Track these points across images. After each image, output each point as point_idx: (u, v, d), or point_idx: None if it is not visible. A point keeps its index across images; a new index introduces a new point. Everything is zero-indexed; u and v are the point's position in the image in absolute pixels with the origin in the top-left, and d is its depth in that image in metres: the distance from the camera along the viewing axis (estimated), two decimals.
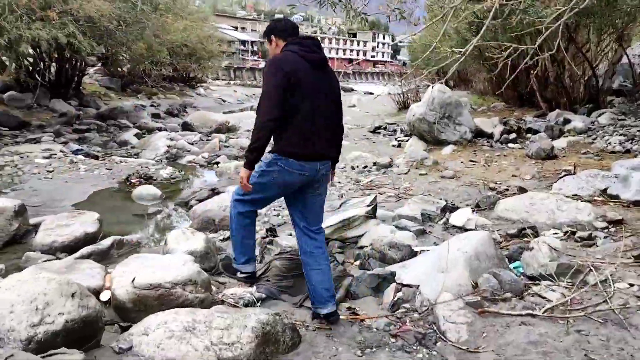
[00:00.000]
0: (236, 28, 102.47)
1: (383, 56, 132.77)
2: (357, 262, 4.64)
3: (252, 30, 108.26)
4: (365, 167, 8.83)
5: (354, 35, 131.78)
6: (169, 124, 17.66)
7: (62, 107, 18.16)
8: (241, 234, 3.58)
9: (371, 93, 53.47)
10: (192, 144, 12.53)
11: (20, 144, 12.19)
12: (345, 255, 4.85)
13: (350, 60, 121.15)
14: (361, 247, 4.87)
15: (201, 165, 10.10)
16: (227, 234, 5.66)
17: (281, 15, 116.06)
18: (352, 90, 60.78)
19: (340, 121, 3.36)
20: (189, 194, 7.26)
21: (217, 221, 5.88)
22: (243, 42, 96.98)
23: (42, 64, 19.30)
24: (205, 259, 4.26)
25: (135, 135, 15.02)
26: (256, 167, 3.20)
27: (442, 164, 8.38)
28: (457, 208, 6.02)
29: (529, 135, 10.33)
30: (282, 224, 5.91)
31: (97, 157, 10.63)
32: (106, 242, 5.22)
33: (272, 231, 5.08)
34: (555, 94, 16.87)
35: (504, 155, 8.88)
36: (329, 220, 5.13)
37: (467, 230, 5.12)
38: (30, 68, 18.57)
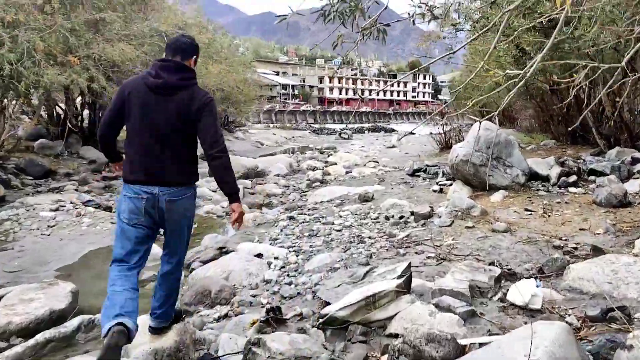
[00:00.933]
0: (278, 73, 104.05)
1: (424, 96, 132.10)
2: (384, 358, 3.47)
3: (293, 74, 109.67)
4: (402, 217, 7.65)
5: (394, 76, 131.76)
6: (201, 169, 16.95)
7: (92, 155, 17.79)
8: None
9: (412, 133, 52.50)
10: (214, 191, 11.62)
11: (41, 194, 11.60)
12: (369, 345, 3.69)
13: (391, 102, 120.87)
14: (390, 335, 3.70)
15: (219, 216, 9.14)
16: (225, 310, 4.59)
17: (321, 60, 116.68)
18: (393, 130, 59.92)
19: (178, 148, 3.25)
20: (191, 253, 6.23)
21: (214, 292, 4.81)
22: (284, 86, 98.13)
23: (73, 110, 19.14)
24: (174, 359, 3.17)
25: None
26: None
27: (492, 213, 7.12)
28: (515, 275, 4.77)
29: (591, 177, 8.96)
30: (295, 296, 4.79)
31: (110, 209, 9.82)
32: (72, 324, 4.21)
33: (274, 312, 3.95)
34: (613, 130, 15.38)
35: (566, 202, 7.53)
36: (350, 297, 3.98)
37: (531, 310, 3.88)
38: (62, 115, 18.39)
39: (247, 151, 29.73)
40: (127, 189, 3.17)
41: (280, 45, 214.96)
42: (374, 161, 17.07)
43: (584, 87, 15.05)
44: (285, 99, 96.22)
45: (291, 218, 8.38)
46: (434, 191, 9.65)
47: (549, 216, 6.80)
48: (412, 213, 7.67)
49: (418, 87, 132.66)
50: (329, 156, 23.20)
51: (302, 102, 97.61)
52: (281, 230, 7.54)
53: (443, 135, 20.91)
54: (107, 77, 14.00)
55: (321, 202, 9.84)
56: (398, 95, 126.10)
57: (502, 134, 8.65)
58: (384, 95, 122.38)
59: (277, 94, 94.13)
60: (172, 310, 3.47)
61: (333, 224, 7.59)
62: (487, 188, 8.35)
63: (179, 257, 3.44)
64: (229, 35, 39.29)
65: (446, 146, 20.55)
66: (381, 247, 6.09)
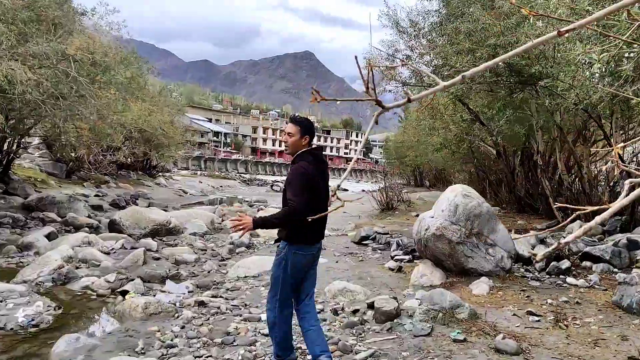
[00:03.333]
0: (210, 120, 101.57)
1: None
2: None
3: (226, 122, 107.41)
4: (356, 312, 5.49)
5: (328, 132, 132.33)
6: (109, 219, 14.04)
7: None
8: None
9: (345, 189, 51.00)
10: (108, 253, 9.03)
11: None
12: None
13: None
14: None
15: (99, 295, 6.58)
16: None
17: (257, 111, 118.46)
18: None
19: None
20: None
21: None
22: (216, 134, 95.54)
23: None
24: None
25: (48, 234, 11.47)
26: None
27: (485, 317, 5.07)
28: None
29: (585, 262, 7.19)
30: None
31: None
32: None
33: None
34: (571, 200, 14.04)
35: (577, 302, 5.60)
36: None
37: None
38: None
39: (168, 200, 26.88)
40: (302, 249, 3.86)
41: (216, 93, 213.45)
42: None
43: (541, 151, 13.63)
44: (217, 146, 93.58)
45: (201, 304, 5.99)
46: (391, 269, 7.55)
47: (566, 326, 4.81)
48: (371, 306, 5.52)
49: (350, 145, 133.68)
50: (258, 211, 20.89)
51: (234, 151, 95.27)
52: (182, 328, 5.14)
53: (384, 194, 19.23)
54: None
55: (245, 277, 7.50)
56: (331, 151, 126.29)
57: (484, 204, 6.74)
58: None
59: (208, 141, 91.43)
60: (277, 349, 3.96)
61: (259, 320, 5.30)
62: (465, 273, 6.35)
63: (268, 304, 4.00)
64: (159, 79, 36.88)
65: (387, 207, 18.83)
66: None
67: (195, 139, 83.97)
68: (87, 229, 13.38)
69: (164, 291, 6.88)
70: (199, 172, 57.15)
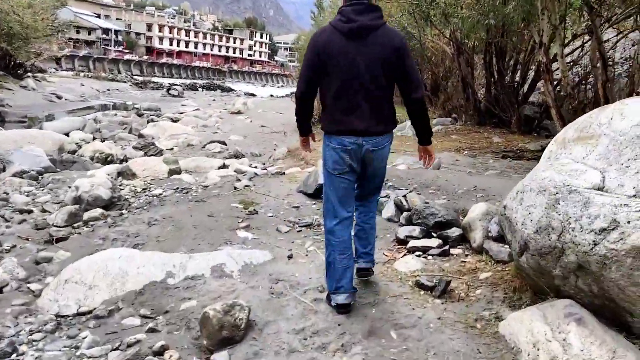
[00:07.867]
0: (99, 15, 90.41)
1: (260, 56, 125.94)
2: None
3: (117, 19, 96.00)
4: None
5: (230, 31, 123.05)
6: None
7: None
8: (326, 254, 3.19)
9: (253, 94, 45.54)
10: None
11: None
12: None
13: (227, 58, 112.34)
14: None
15: None
16: None
17: (152, 8, 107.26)
18: (231, 90, 52.50)
19: (381, 91, 2.98)
20: None
21: None
22: (105, 31, 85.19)
23: None
24: None
25: None
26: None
27: None
28: None
29: None
30: None
31: None
32: None
33: None
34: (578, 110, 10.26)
35: None
36: None
37: None
38: None
39: (33, 107, 21.00)
40: (329, 139, 3.05)
41: None
42: (219, 142, 10.33)
43: (545, 43, 9.51)
44: (107, 45, 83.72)
45: None
46: (421, 287, 3.37)
47: None
48: None
49: (255, 46, 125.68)
50: (148, 122, 15.86)
51: (127, 51, 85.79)
52: None
53: None
54: None
55: (78, 317, 3.09)
56: (234, 53, 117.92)
57: None
58: (219, 50, 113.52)
59: (96, 38, 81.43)
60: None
61: None
62: None
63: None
64: None
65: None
66: None
67: (81, 36, 73.87)
68: None
69: None
70: (81, 74, 49.22)
